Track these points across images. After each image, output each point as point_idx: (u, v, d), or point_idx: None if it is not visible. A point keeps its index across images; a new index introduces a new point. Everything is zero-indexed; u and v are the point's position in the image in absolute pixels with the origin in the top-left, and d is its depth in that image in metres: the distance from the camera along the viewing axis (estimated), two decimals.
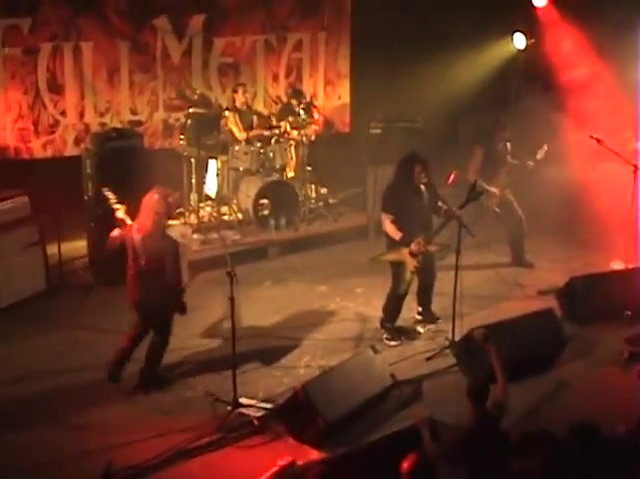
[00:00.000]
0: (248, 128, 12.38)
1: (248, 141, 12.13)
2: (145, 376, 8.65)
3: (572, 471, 6.11)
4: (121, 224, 8.40)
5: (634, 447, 6.38)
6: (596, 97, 12.64)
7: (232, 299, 8.29)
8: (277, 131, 12.50)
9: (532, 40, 13.59)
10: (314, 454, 7.59)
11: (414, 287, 9.70)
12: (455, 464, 6.78)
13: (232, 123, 12.23)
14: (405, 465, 6.02)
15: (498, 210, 11.31)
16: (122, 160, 10.66)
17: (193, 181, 12.31)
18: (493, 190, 11.18)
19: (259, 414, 8.13)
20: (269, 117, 13.03)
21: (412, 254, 9.22)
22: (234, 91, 12.61)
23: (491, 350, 7.60)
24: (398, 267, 9.42)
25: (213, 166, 12.45)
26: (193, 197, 12.32)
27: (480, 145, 11.30)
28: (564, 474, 6.10)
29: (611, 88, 12.69)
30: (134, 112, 12.96)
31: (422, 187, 9.35)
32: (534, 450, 6.19)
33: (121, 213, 8.45)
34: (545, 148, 11.17)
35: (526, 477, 6.20)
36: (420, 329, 9.84)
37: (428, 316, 9.94)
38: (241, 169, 12.11)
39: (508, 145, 11.36)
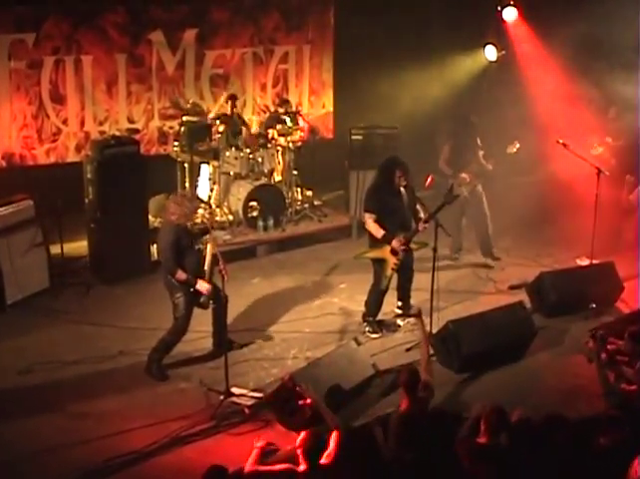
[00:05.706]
0: (238, 134, 12.35)
1: (238, 147, 12.11)
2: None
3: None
4: None
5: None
6: (561, 104, 12.66)
7: (225, 296, 8.31)
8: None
9: (503, 52, 13.63)
10: None
11: (394, 283, 9.68)
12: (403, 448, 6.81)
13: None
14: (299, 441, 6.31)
15: (468, 195, 11.15)
16: (120, 165, 10.65)
17: (187, 185, 12.28)
18: (464, 175, 11.08)
19: (250, 403, 8.11)
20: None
21: (393, 252, 9.22)
22: (226, 101, 12.60)
23: (423, 334, 7.97)
24: (379, 264, 9.40)
25: (206, 170, 12.40)
26: None
27: (448, 143, 11.32)
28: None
29: (576, 96, 12.72)
30: (131, 120, 12.90)
31: (402, 189, 9.34)
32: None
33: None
34: (517, 144, 11.14)
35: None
36: (399, 322, 9.81)
37: (407, 310, 9.93)
38: (232, 173, 12.06)
39: (479, 141, 11.26)
